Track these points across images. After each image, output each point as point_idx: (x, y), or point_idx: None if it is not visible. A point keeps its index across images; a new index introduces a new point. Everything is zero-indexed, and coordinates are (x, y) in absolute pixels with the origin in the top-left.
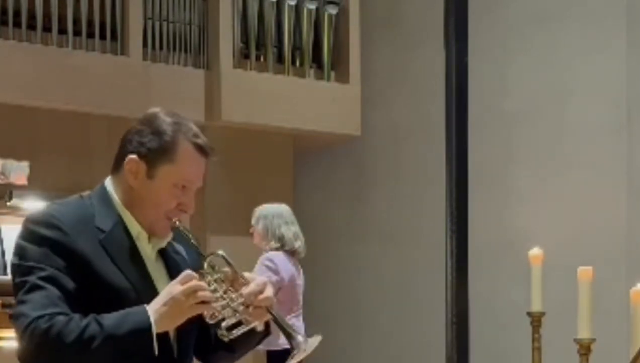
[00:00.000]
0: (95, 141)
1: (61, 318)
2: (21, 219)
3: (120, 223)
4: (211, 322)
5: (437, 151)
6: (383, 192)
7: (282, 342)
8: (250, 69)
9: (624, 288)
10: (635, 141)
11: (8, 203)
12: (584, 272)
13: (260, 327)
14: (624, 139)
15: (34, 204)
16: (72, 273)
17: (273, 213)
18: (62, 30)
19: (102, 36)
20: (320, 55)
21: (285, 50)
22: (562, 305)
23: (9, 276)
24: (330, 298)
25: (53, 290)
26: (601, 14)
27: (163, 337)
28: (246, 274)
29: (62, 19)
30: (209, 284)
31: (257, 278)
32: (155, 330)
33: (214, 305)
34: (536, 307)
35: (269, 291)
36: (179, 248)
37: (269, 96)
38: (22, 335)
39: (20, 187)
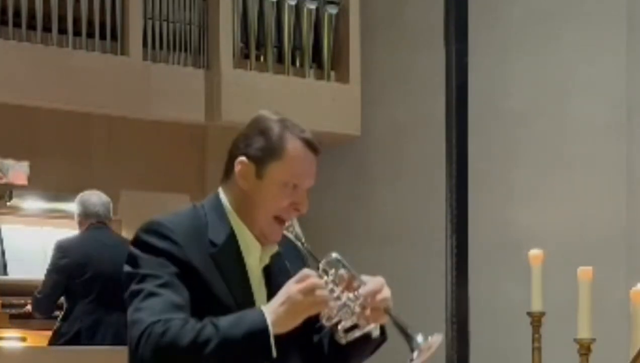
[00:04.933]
0: (96, 141)
1: (177, 322)
2: (21, 219)
3: (232, 236)
4: (327, 324)
5: (437, 151)
6: (383, 192)
7: None
8: (250, 69)
9: (624, 288)
10: (635, 141)
11: (8, 203)
12: (584, 272)
13: (376, 331)
14: (623, 139)
15: (34, 204)
16: (185, 283)
17: None
18: (62, 30)
19: (102, 36)
20: (320, 55)
21: (285, 50)
22: (562, 305)
23: (9, 276)
24: None
25: (169, 296)
26: (601, 14)
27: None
28: (363, 276)
29: (62, 19)
30: (325, 284)
31: (374, 279)
32: (272, 331)
33: (331, 304)
34: (536, 307)
35: (386, 292)
36: (286, 264)
37: (269, 96)
38: (138, 341)
39: (20, 187)
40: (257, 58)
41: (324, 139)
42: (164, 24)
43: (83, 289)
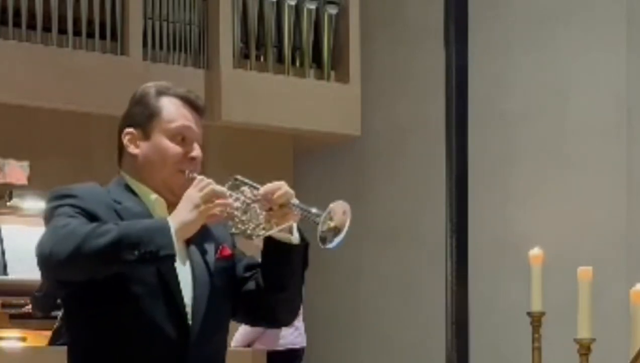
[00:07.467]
0: (96, 141)
1: (78, 221)
2: (21, 219)
3: (136, 197)
4: (237, 231)
5: (437, 151)
6: (383, 192)
7: (284, 342)
8: (250, 69)
9: (624, 288)
10: (635, 141)
11: (8, 203)
12: (584, 272)
13: (294, 237)
14: (624, 139)
15: (34, 204)
16: None
17: None
18: (62, 30)
19: (102, 36)
20: (320, 55)
21: (285, 50)
22: (562, 305)
23: (9, 276)
24: (330, 299)
25: (76, 220)
26: (601, 14)
27: (177, 311)
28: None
29: (62, 19)
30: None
31: (272, 183)
32: (173, 226)
33: (232, 203)
34: (536, 307)
35: (285, 187)
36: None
37: (269, 96)
38: (40, 242)
39: (20, 187)
40: (257, 58)
41: (324, 139)
42: (164, 24)
43: None
